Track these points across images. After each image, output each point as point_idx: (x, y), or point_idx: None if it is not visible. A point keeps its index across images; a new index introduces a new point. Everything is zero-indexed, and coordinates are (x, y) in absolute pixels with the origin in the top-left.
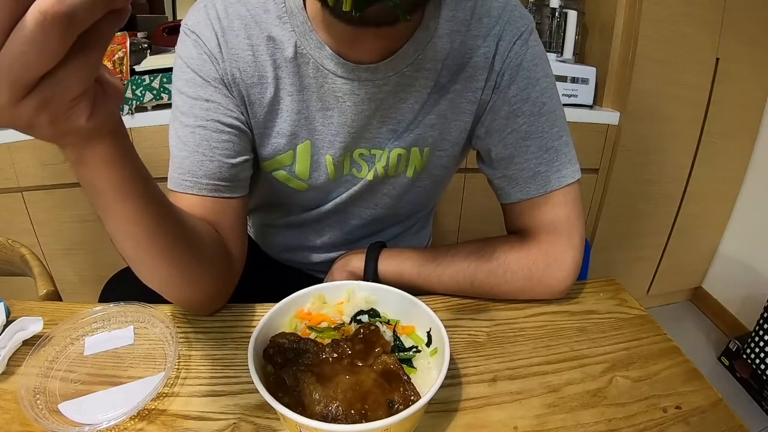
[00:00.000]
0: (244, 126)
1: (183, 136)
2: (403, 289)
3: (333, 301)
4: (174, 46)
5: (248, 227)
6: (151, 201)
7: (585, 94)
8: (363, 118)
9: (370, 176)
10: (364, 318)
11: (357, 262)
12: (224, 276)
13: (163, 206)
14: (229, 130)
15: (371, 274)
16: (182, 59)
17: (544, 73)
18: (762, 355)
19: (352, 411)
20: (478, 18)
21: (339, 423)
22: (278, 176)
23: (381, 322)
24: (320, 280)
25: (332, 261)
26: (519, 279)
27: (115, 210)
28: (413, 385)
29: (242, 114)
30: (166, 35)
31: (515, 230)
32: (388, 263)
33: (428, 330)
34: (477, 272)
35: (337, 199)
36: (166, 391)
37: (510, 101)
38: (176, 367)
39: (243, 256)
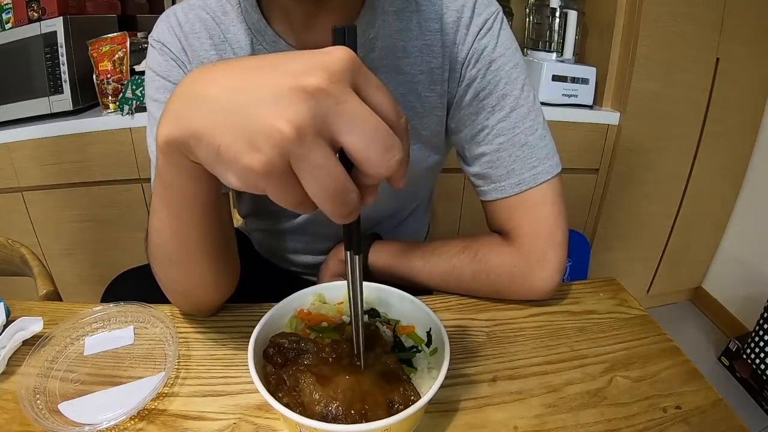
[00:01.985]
0: None
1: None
2: (397, 285)
3: (333, 301)
4: None
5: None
6: (218, 208)
7: (585, 94)
8: None
9: None
10: (364, 318)
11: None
12: (236, 276)
13: (224, 212)
14: None
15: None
16: (151, 69)
17: (513, 63)
18: (762, 355)
19: (352, 411)
20: (435, 1)
21: (339, 423)
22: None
23: (381, 322)
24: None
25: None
26: (503, 281)
27: (188, 214)
28: (413, 385)
29: None
30: None
31: (497, 230)
32: (378, 256)
33: (428, 330)
34: (462, 274)
35: None
36: (166, 391)
37: (479, 96)
38: (176, 367)
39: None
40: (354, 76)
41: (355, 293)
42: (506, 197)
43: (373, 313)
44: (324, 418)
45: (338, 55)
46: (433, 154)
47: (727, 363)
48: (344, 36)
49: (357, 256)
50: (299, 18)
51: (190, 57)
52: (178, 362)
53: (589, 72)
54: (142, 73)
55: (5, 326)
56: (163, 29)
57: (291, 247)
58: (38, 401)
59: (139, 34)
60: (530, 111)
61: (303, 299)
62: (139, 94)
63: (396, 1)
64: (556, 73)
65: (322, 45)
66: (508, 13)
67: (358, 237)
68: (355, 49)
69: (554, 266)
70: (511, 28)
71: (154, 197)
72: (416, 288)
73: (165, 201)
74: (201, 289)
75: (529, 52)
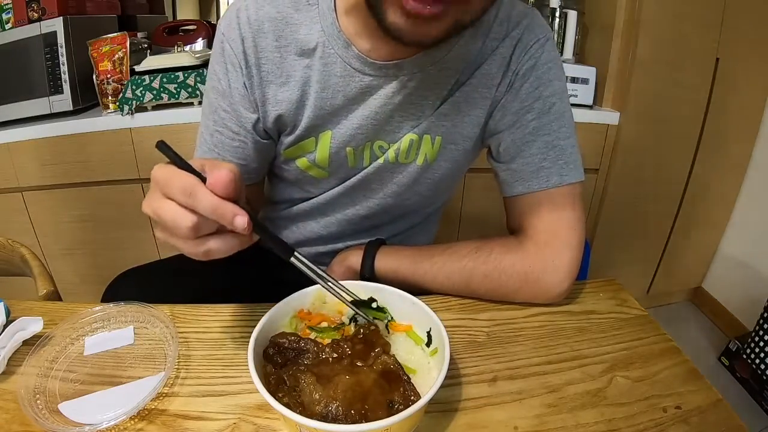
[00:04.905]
0: (257, 132)
1: (205, 133)
2: (402, 288)
3: (333, 300)
4: (173, 46)
5: None
6: None
7: (585, 94)
8: (386, 111)
9: (381, 160)
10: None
11: (355, 257)
12: None
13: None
14: (241, 138)
15: (368, 270)
16: (212, 64)
17: (557, 77)
18: (762, 355)
19: (352, 411)
20: (499, 22)
21: (339, 423)
22: (300, 164)
23: (372, 313)
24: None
25: (334, 253)
26: (515, 282)
27: None
28: (413, 385)
29: (259, 118)
30: (166, 35)
31: (515, 229)
32: (384, 260)
33: (428, 330)
34: (473, 274)
35: (348, 183)
36: (166, 391)
37: (521, 98)
38: (176, 367)
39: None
40: (160, 187)
41: (324, 279)
42: (531, 192)
43: (369, 301)
44: (324, 418)
45: (153, 173)
46: (464, 151)
47: (727, 363)
48: (160, 147)
49: (292, 258)
50: (369, 34)
51: (253, 59)
52: (178, 362)
53: (589, 72)
54: (142, 73)
55: (5, 326)
56: (232, 24)
57: (293, 234)
58: (38, 401)
59: (139, 34)
60: (565, 120)
61: (303, 299)
62: (139, 94)
63: (473, 29)
64: None
65: (393, 55)
66: None
67: (278, 245)
68: (173, 157)
69: (567, 270)
70: None
71: None
72: (417, 290)
73: None
74: None
75: None
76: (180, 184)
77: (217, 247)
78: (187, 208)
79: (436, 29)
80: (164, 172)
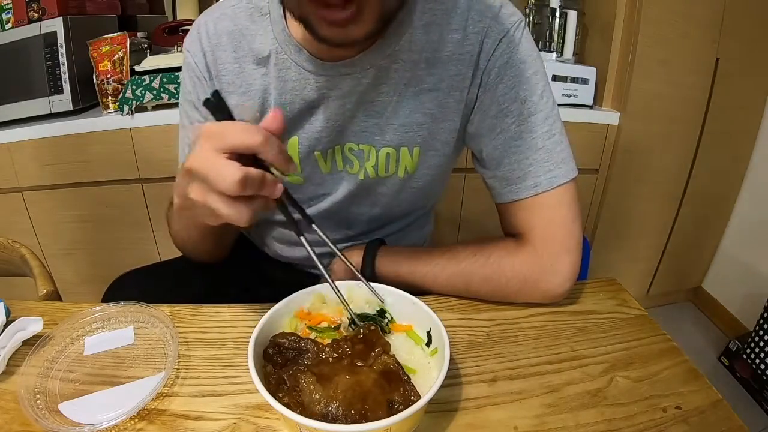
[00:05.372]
0: None
1: (183, 148)
2: (402, 288)
3: (333, 301)
4: (173, 46)
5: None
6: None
7: (585, 94)
8: (347, 111)
9: (361, 175)
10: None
11: (356, 258)
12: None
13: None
14: None
15: (369, 271)
16: (182, 79)
17: (533, 70)
18: (762, 355)
19: (352, 411)
20: (461, 12)
21: (339, 423)
22: (275, 171)
23: (377, 320)
24: (317, 276)
25: (331, 254)
26: (515, 284)
27: (203, 236)
28: (413, 385)
29: None
30: (166, 35)
31: (511, 232)
32: (385, 261)
33: (428, 330)
34: (473, 276)
35: (334, 198)
36: (166, 391)
37: (498, 100)
38: (176, 367)
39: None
40: (216, 139)
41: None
42: (521, 199)
43: (381, 312)
44: (324, 418)
45: (205, 129)
46: (444, 156)
47: (727, 363)
48: (209, 104)
49: (301, 237)
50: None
51: (214, 71)
52: (178, 362)
53: (589, 72)
54: (142, 73)
55: (5, 326)
56: (194, 39)
57: (288, 238)
58: (38, 401)
59: (139, 34)
60: (548, 117)
61: (303, 299)
62: (139, 94)
63: (425, 15)
64: (556, 73)
65: (344, 54)
66: None
67: (291, 220)
68: (223, 111)
69: (567, 271)
70: None
71: (176, 207)
72: (417, 291)
73: (185, 219)
74: (204, 257)
75: None
76: (243, 127)
77: (248, 210)
78: (239, 160)
79: (361, 28)
80: (221, 125)
